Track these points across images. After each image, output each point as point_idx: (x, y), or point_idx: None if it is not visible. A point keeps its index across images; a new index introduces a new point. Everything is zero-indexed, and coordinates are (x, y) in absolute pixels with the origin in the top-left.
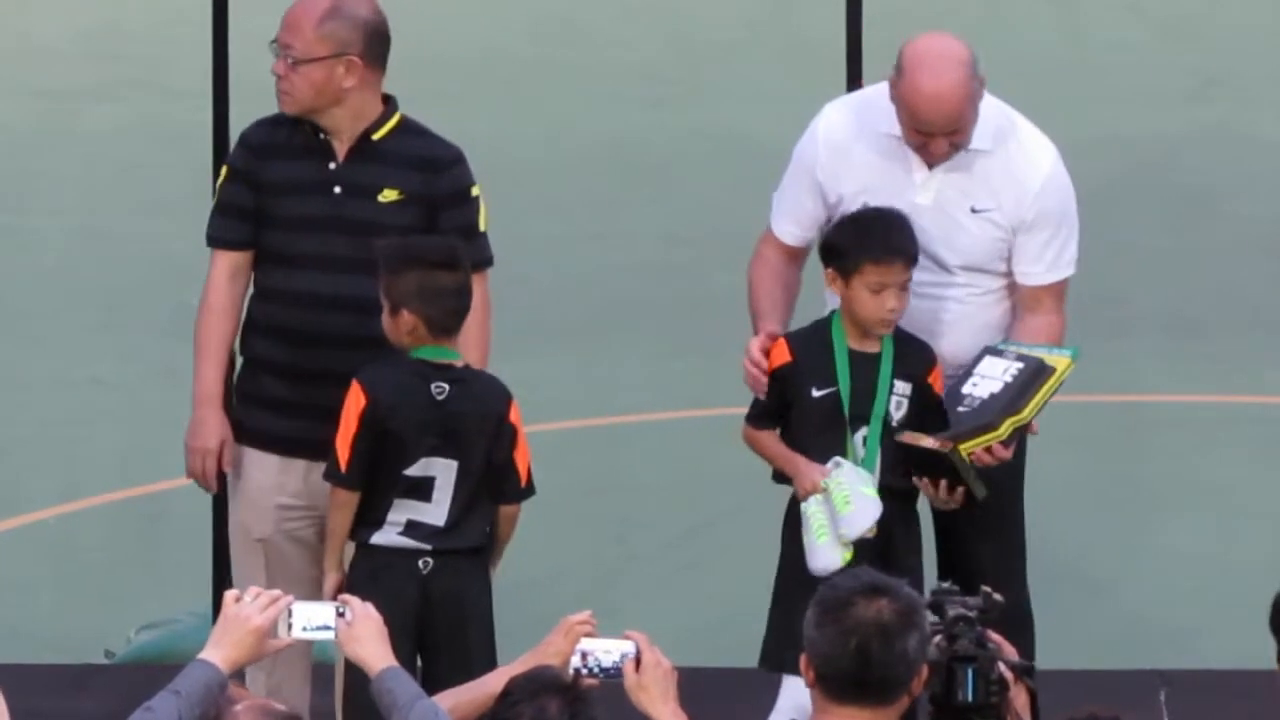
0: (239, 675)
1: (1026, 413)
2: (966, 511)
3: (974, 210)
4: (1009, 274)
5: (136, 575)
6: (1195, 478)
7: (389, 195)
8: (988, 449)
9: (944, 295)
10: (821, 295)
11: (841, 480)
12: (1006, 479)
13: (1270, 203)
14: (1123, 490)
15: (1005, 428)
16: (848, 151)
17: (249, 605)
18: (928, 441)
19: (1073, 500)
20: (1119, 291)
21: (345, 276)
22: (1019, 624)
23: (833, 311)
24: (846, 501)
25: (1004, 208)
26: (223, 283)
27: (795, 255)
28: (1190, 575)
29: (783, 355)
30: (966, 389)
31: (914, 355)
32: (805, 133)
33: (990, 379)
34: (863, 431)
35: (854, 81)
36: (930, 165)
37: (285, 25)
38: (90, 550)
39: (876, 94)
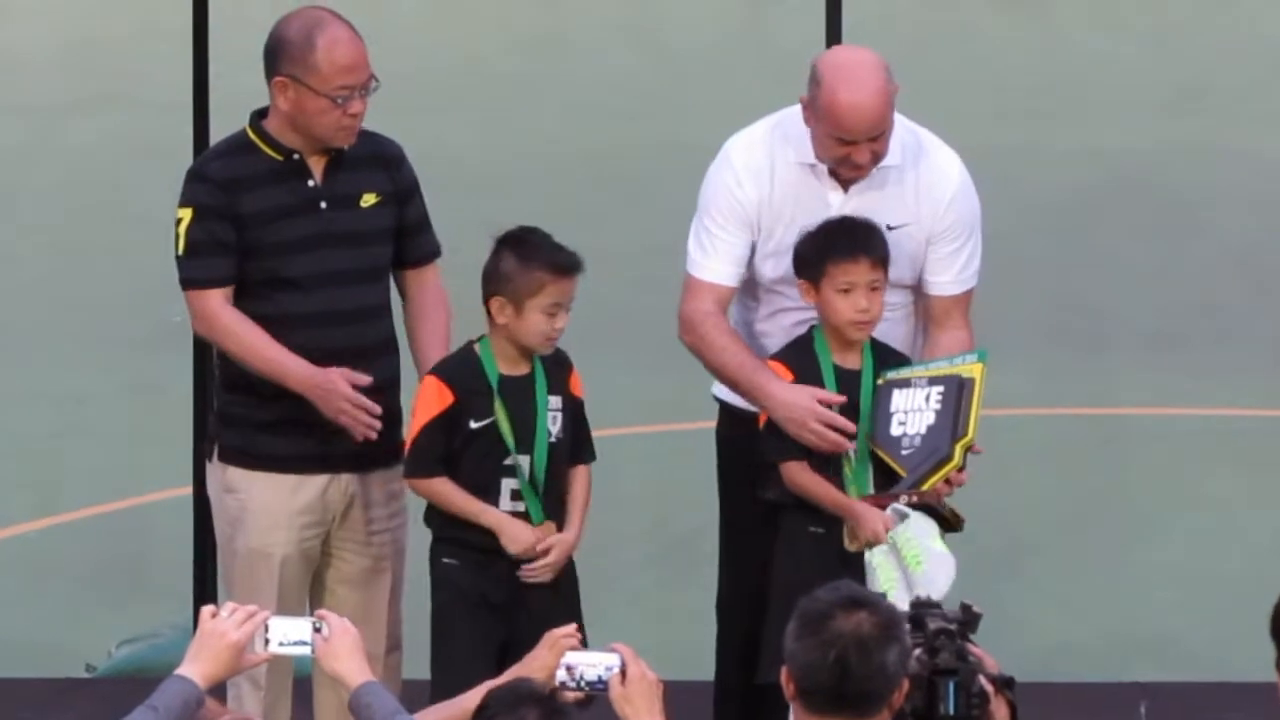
0: (217, 690)
1: (971, 432)
2: None
3: (890, 227)
4: (916, 288)
5: (117, 589)
6: (1175, 490)
7: (369, 200)
8: (946, 480)
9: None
10: None
11: (910, 536)
12: None
13: (1250, 215)
14: (1103, 503)
15: (959, 455)
16: (768, 183)
17: (226, 620)
18: (901, 501)
19: (1053, 513)
20: (1098, 304)
21: (344, 289)
22: None
23: (813, 327)
24: (918, 561)
25: (920, 220)
26: (225, 308)
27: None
28: (1171, 588)
29: (786, 376)
30: (896, 430)
31: (892, 365)
32: (714, 174)
33: (916, 412)
34: (852, 445)
35: None
36: (846, 185)
37: (365, 63)
38: (71, 564)
39: (778, 125)
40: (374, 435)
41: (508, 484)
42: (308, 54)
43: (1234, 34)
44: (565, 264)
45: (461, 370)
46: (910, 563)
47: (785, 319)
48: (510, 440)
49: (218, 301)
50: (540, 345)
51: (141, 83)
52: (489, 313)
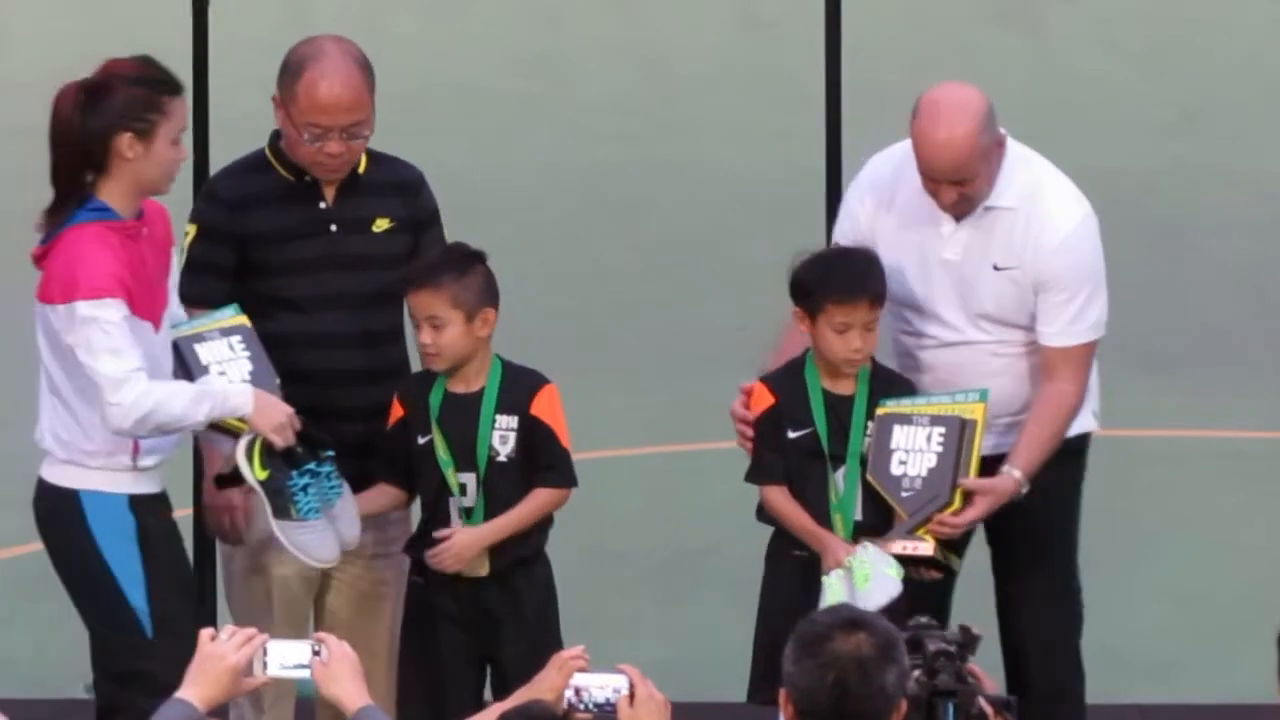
0: (219, 714)
1: (972, 476)
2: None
3: (996, 268)
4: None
5: None
6: (1171, 511)
7: (381, 225)
8: (941, 521)
9: (973, 347)
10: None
11: (865, 560)
12: (1057, 515)
13: (1246, 236)
14: (1100, 524)
15: (957, 499)
16: (890, 200)
17: (225, 643)
18: (895, 547)
19: None
20: None
21: (350, 313)
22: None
23: (807, 350)
24: (866, 578)
25: (1024, 266)
26: None
27: None
28: (1169, 609)
29: (766, 399)
30: (897, 470)
31: (892, 392)
32: (853, 186)
33: (917, 452)
34: (842, 470)
35: (833, 116)
36: (955, 217)
37: (346, 107)
38: None
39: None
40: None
41: (453, 502)
42: (293, 83)
43: (1231, 56)
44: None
45: (418, 386)
46: (858, 580)
47: (903, 342)
48: (447, 458)
49: None
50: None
51: None
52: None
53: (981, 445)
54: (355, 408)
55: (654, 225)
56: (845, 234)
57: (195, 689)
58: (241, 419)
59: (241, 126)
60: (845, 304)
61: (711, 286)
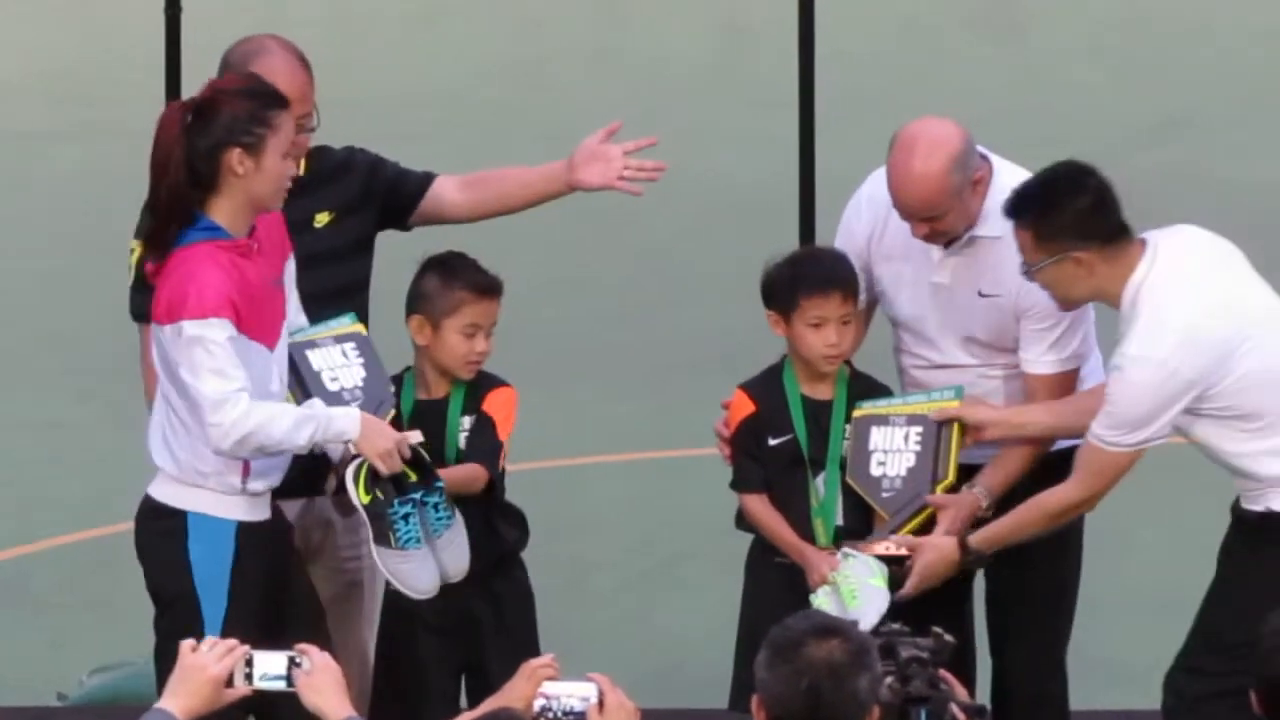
0: None
1: (951, 475)
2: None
3: (981, 294)
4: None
5: (90, 617)
6: (1152, 516)
7: (322, 219)
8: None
9: (962, 370)
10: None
11: (849, 574)
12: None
13: (1228, 241)
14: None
15: (938, 495)
16: (885, 218)
17: (206, 654)
18: (879, 548)
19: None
20: None
21: (313, 312)
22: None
23: (784, 357)
24: (854, 596)
25: (1007, 294)
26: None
27: None
28: (1150, 614)
29: (746, 406)
30: (876, 471)
31: (870, 396)
32: (852, 199)
33: (895, 452)
34: (822, 475)
35: (806, 123)
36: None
37: (296, 99)
38: (43, 592)
39: None
40: None
41: None
42: None
43: (1210, 62)
44: (485, 285)
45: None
46: (846, 598)
47: (901, 360)
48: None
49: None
50: (459, 368)
51: (118, 112)
52: (411, 334)
53: (960, 443)
54: None
55: (632, 232)
56: (843, 248)
57: (176, 700)
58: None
59: None
60: (817, 297)
61: (689, 292)
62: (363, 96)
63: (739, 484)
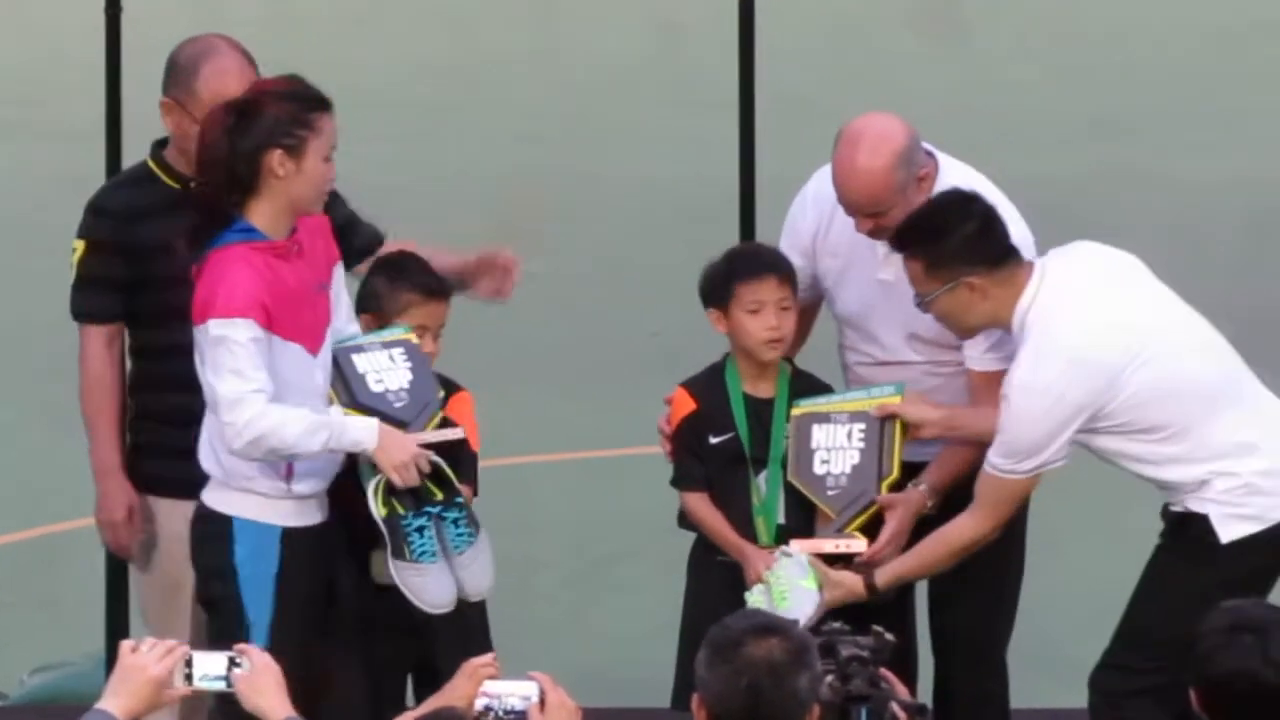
0: None
1: (896, 471)
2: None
3: None
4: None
5: (29, 617)
6: (1089, 513)
7: None
8: (870, 556)
9: (907, 367)
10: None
11: (781, 575)
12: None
13: (1168, 242)
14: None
15: (884, 494)
16: (831, 214)
17: (146, 654)
18: (826, 547)
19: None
20: None
21: None
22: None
23: (726, 355)
24: (784, 597)
25: None
26: (102, 353)
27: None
28: (1088, 612)
29: (688, 404)
30: (820, 469)
31: (809, 395)
32: (798, 197)
33: (838, 450)
34: (764, 474)
35: (746, 124)
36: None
37: None
38: None
39: None
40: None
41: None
42: (191, 79)
43: (1147, 61)
44: (432, 287)
45: None
46: (777, 599)
47: (845, 356)
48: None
49: (98, 343)
50: None
51: (54, 111)
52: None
53: (903, 438)
54: None
55: (573, 233)
56: (788, 247)
57: (117, 700)
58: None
59: (157, 136)
60: (753, 282)
61: (627, 293)
62: None
63: (680, 482)
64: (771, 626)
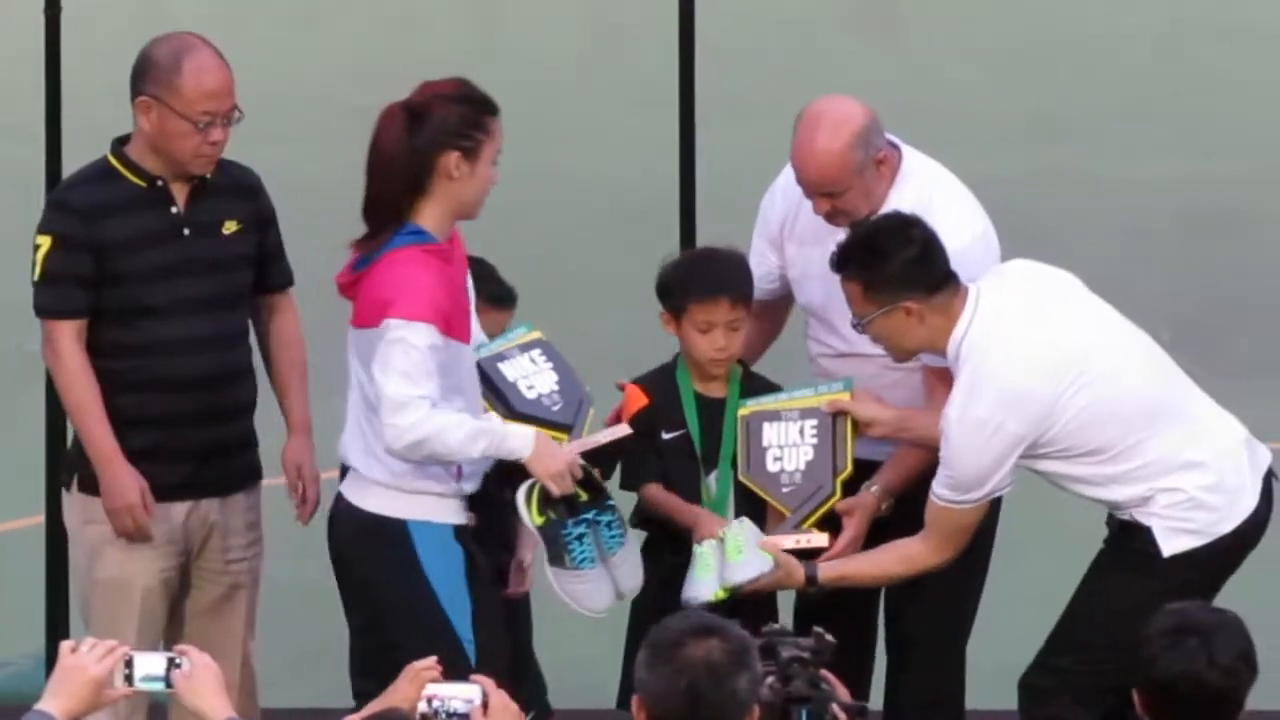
0: None
1: (850, 465)
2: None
3: None
4: None
5: None
6: (1035, 516)
7: (230, 227)
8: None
9: (868, 359)
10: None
11: (739, 534)
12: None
13: (1110, 241)
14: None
15: (839, 489)
16: (798, 206)
17: (86, 655)
18: (787, 543)
19: None
20: None
21: (203, 317)
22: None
23: (677, 355)
24: (738, 551)
25: None
26: (74, 348)
27: (765, 308)
28: (1041, 615)
29: (640, 399)
30: (773, 467)
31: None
32: (769, 190)
33: (791, 447)
34: (714, 473)
35: (686, 123)
36: (839, 227)
37: (229, 91)
38: None
39: None
40: (137, 536)
41: None
42: (173, 76)
43: (1085, 61)
44: (500, 295)
45: None
46: (730, 551)
47: (810, 347)
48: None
49: (69, 338)
50: None
51: None
52: None
53: (854, 434)
54: (215, 412)
55: (514, 233)
56: (760, 236)
57: (57, 701)
58: (520, 461)
59: (96, 136)
60: (706, 303)
61: (574, 293)
62: (240, 96)
63: (634, 481)
64: (711, 627)
